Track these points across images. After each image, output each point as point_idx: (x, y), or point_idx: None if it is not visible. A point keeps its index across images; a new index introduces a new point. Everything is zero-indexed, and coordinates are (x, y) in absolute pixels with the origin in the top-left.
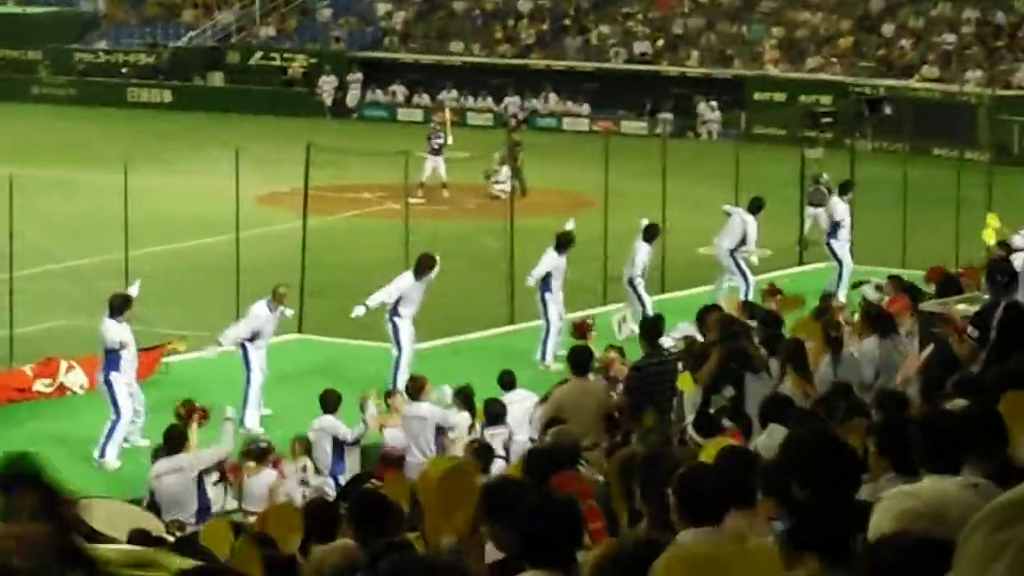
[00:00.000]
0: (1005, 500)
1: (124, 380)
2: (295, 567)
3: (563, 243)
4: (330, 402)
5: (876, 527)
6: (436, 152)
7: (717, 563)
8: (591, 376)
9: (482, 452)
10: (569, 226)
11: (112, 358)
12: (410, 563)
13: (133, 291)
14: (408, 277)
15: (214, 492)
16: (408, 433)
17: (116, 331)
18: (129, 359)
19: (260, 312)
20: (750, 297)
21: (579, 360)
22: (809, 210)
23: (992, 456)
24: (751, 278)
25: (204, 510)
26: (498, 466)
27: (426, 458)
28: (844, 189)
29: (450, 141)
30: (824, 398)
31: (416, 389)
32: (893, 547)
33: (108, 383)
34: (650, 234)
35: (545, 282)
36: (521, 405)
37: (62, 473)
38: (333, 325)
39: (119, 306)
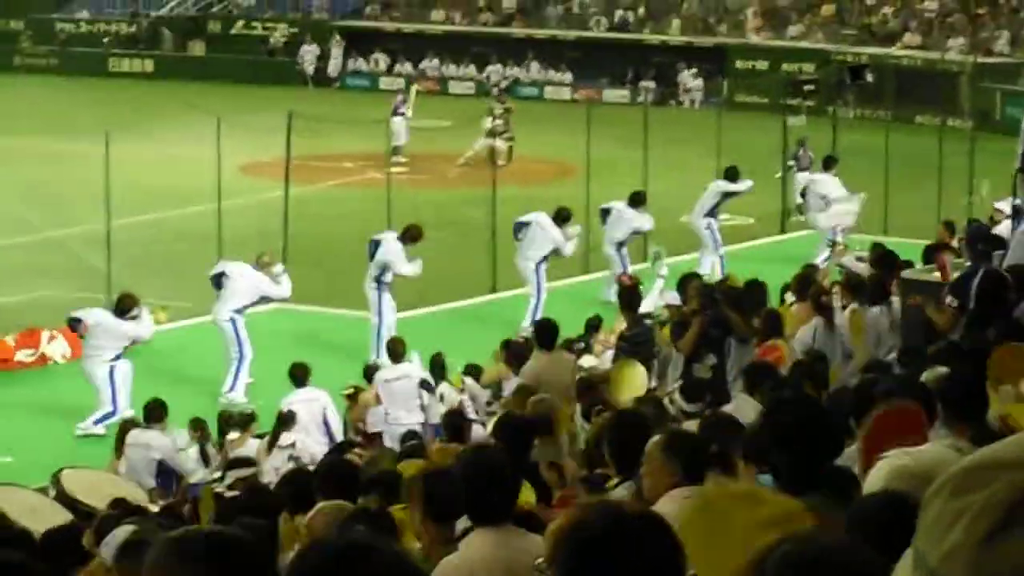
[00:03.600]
0: (964, 466)
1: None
2: None
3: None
4: (299, 377)
5: (869, 483)
6: (397, 113)
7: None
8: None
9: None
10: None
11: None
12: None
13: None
14: (398, 246)
15: (193, 463)
16: (390, 397)
17: (129, 329)
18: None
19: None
20: (722, 267)
21: (545, 334)
22: (798, 176)
23: (973, 421)
24: (721, 248)
25: (164, 486)
26: (477, 433)
27: (409, 419)
28: (828, 164)
29: (409, 114)
30: (808, 364)
31: (398, 351)
32: (873, 503)
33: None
34: (635, 201)
35: (546, 256)
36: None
37: (43, 443)
38: (315, 294)
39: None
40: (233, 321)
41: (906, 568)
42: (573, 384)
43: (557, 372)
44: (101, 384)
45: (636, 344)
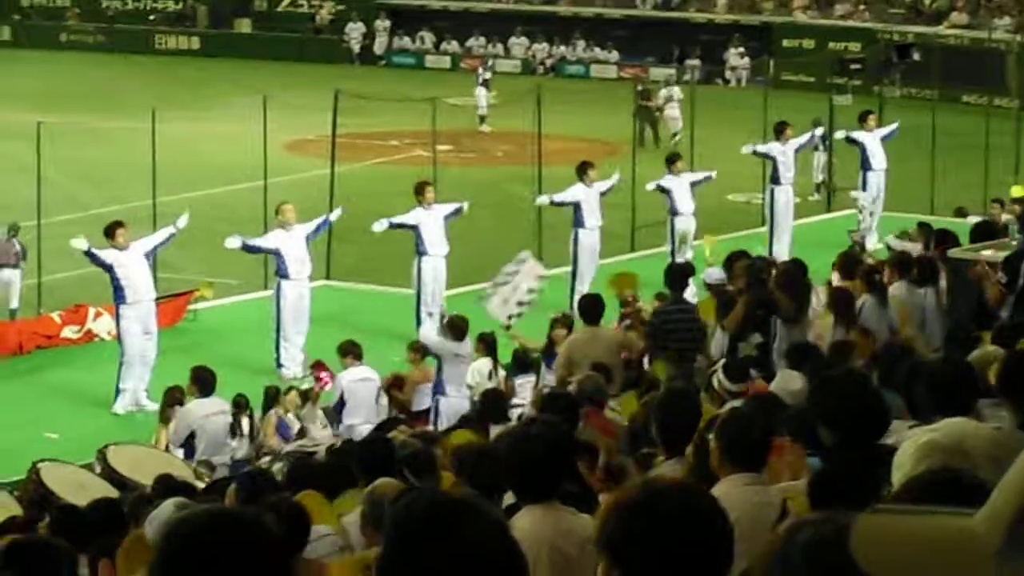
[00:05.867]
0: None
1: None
2: None
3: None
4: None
5: (899, 461)
6: (485, 84)
7: None
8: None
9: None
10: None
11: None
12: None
13: (182, 222)
14: (418, 210)
15: (236, 441)
16: (450, 373)
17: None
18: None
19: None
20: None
21: (590, 309)
22: (819, 156)
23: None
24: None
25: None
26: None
27: (458, 395)
28: (863, 118)
29: (489, 76)
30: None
31: (460, 329)
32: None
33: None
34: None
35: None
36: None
37: (89, 420)
38: (360, 271)
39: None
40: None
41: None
42: (618, 361)
43: (598, 347)
44: None
45: (669, 321)
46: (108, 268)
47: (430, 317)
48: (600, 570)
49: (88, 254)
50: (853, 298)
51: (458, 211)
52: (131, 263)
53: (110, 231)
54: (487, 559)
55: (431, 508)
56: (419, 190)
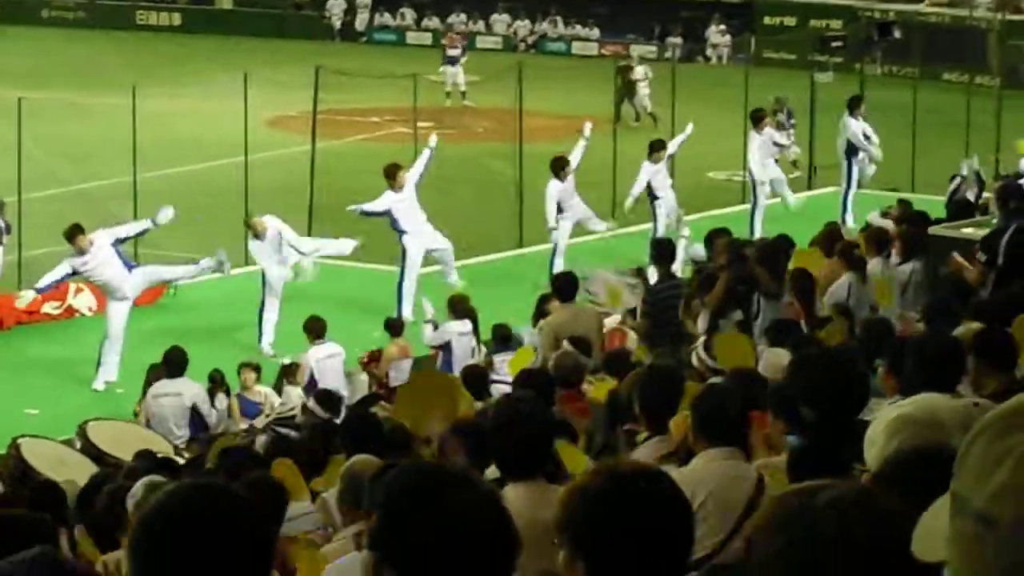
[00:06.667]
0: (1007, 407)
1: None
2: None
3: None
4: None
5: (871, 437)
6: (451, 62)
7: None
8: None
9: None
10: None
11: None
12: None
13: (163, 217)
14: (388, 194)
15: (217, 415)
16: (457, 354)
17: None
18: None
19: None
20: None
21: (565, 286)
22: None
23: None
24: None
25: (195, 437)
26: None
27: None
28: (853, 105)
29: (463, 56)
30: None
31: (462, 308)
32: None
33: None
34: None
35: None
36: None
37: (69, 395)
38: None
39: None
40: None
41: (939, 514)
42: (598, 338)
43: (579, 325)
44: None
45: (662, 299)
46: (76, 274)
47: (427, 324)
48: (561, 556)
49: (54, 282)
50: (813, 280)
51: (428, 159)
52: (98, 263)
53: (70, 236)
54: (477, 529)
55: (420, 479)
56: (390, 173)
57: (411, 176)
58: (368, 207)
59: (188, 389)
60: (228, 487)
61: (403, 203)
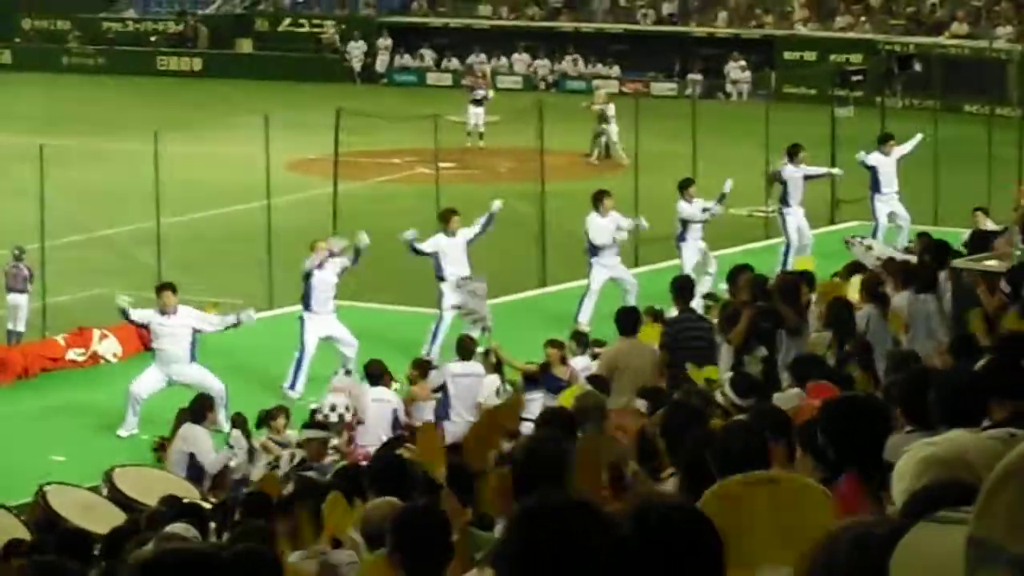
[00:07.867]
0: None
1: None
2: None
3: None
4: (374, 375)
5: (899, 473)
6: (478, 103)
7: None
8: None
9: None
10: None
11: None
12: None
13: (246, 316)
14: (439, 236)
15: (237, 462)
16: (457, 394)
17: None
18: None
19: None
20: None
21: (627, 320)
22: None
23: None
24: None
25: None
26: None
27: (468, 418)
28: (883, 140)
29: (490, 95)
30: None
31: (468, 349)
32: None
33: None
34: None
35: (595, 247)
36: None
37: (94, 442)
38: (364, 291)
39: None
40: (301, 319)
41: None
42: (653, 372)
43: (636, 359)
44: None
45: (679, 332)
46: (143, 327)
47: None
48: None
49: (122, 313)
50: (852, 311)
51: (488, 222)
52: (168, 333)
53: (158, 289)
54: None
55: (550, 510)
56: (444, 217)
57: (466, 232)
58: (417, 243)
59: (191, 435)
60: (216, 555)
61: (451, 251)
